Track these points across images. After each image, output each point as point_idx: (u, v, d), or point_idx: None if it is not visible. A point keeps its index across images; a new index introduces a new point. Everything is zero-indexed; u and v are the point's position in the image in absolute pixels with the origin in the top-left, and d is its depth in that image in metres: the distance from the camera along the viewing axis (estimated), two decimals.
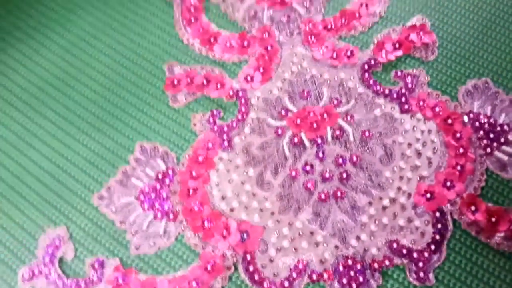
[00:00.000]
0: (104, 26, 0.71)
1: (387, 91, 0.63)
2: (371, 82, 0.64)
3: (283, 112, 0.62)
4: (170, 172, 0.58)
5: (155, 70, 0.66)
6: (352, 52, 0.66)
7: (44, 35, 0.70)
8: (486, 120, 0.60)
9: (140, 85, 0.66)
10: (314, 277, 0.54)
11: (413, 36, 0.65)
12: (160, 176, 0.58)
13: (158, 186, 0.57)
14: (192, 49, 0.68)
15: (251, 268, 0.55)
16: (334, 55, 0.66)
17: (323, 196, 0.57)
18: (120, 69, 0.67)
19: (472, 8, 0.68)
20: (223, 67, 0.66)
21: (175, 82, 0.65)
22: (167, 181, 0.58)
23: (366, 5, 0.69)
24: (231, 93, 0.64)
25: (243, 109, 0.63)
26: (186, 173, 0.59)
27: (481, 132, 0.59)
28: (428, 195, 0.56)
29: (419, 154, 0.58)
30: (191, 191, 0.57)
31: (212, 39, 0.67)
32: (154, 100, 0.65)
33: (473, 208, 0.55)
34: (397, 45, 0.65)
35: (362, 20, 0.68)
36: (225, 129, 0.61)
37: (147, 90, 0.65)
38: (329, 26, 0.68)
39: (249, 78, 0.65)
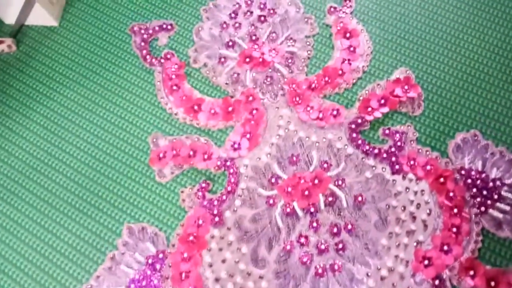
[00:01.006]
0: (85, 100, 0.69)
1: (376, 151, 0.62)
2: (359, 142, 0.63)
3: (273, 180, 0.61)
4: (161, 255, 0.57)
5: (140, 143, 0.65)
6: (338, 111, 0.65)
7: (23, 115, 0.69)
8: (478, 176, 0.59)
9: (124, 161, 0.64)
10: None
11: (398, 91, 0.65)
12: (150, 261, 0.56)
13: (148, 272, 0.56)
14: (176, 119, 0.66)
15: None
16: (320, 116, 0.65)
17: (320, 270, 0.55)
18: (104, 145, 0.66)
19: (455, 56, 0.68)
20: (209, 135, 0.65)
21: (161, 155, 0.63)
22: (157, 266, 0.56)
23: (349, 61, 0.68)
24: (219, 163, 0.62)
25: (232, 179, 0.61)
26: (177, 255, 0.57)
27: (474, 190, 0.58)
28: (426, 262, 0.54)
29: (413, 217, 0.57)
30: (183, 275, 0.55)
31: (196, 107, 0.66)
32: (140, 175, 0.63)
33: (471, 272, 0.53)
34: (382, 101, 0.65)
35: (345, 76, 0.67)
36: (215, 203, 0.60)
37: (133, 165, 0.64)
38: (313, 85, 0.67)
39: (236, 146, 0.63)
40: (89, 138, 0.66)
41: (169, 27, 0.73)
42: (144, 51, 0.71)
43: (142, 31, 0.73)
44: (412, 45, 0.69)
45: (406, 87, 0.65)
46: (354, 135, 0.63)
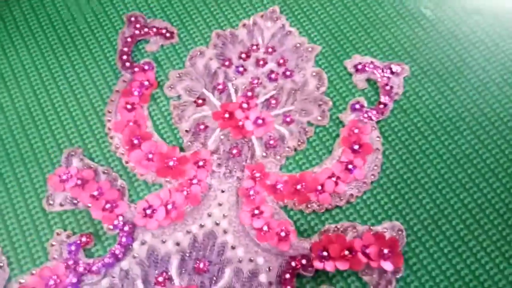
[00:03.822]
0: (31, 65, 0.58)
1: None
2: None
3: (161, 278, 0.47)
4: None
5: (54, 151, 0.53)
6: (288, 234, 0.49)
7: None
8: None
9: (27, 162, 0.52)
10: None
11: (372, 250, 0.48)
12: None
13: None
14: (109, 143, 0.54)
15: None
16: (265, 228, 0.49)
17: None
18: (17, 129, 0.54)
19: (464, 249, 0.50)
20: (130, 182, 0.52)
21: (64, 177, 0.51)
22: None
23: (338, 179, 0.52)
24: (116, 222, 0.49)
25: (117, 251, 0.48)
26: None
27: None
28: None
29: None
30: None
31: (136, 141, 0.53)
32: (30, 189, 0.51)
33: None
34: (346, 253, 0.48)
35: (322, 196, 0.51)
36: (81, 269, 0.47)
37: (32, 171, 0.52)
38: (278, 186, 0.52)
39: (149, 212, 0.50)
40: (8, 111, 0.56)
41: (168, 34, 0.60)
42: (126, 49, 0.59)
43: (138, 25, 0.61)
44: (428, 200, 0.51)
45: (386, 251, 0.48)
46: (288, 276, 0.47)
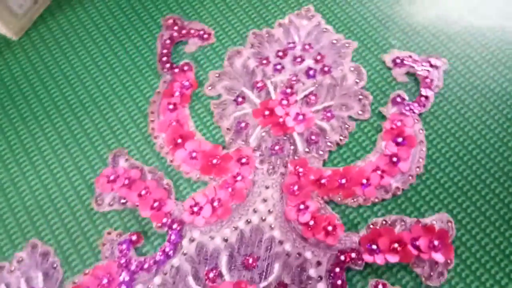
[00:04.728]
0: (81, 70, 0.60)
1: None
2: (338, 282, 0.47)
3: (211, 274, 0.47)
4: None
5: (102, 148, 0.55)
6: (335, 228, 0.49)
7: None
8: None
9: (76, 158, 0.54)
10: None
11: (422, 242, 0.47)
12: None
13: None
14: (153, 143, 0.55)
15: None
16: (311, 223, 0.49)
17: None
18: (66, 134, 0.56)
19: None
20: (174, 181, 0.53)
21: (112, 177, 0.52)
22: None
23: (383, 173, 0.51)
24: (164, 220, 0.50)
25: (167, 248, 0.49)
26: None
27: None
28: None
29: None
30: None
31: (180, 140, 0.54)
32: (73, 192, 0.52)
33: None
34: (396, 245, 0.48)
35: (368, 190, 0.51)
36: (133, 267, 0.48)
37: (79, 166, 0.53)
38: (322, 181, 0.51)
39: (196, 209, 0.51)
40: (66, 109, 0.57)
41: (206, 35, 0.61)
42: (165, 51, 0.60)
43: (176, 27, 0.62)
44: (477, 191, 0.51)
45: (436, 243, 0.47)
46: (338, 270, 0.47)
